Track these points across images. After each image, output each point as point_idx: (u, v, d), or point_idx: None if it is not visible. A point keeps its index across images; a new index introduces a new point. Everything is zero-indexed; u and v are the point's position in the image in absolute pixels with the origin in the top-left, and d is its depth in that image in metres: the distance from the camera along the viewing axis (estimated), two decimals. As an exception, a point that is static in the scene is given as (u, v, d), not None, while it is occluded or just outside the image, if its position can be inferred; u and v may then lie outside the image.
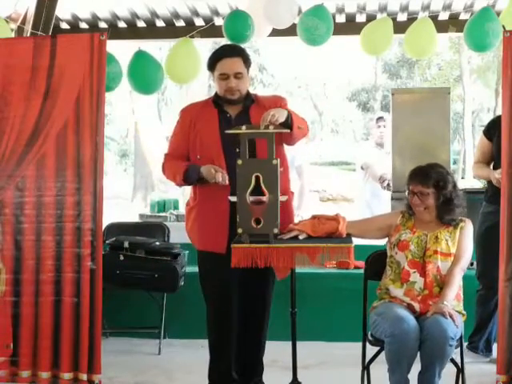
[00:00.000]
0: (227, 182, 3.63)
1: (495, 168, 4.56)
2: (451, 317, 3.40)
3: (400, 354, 3.41)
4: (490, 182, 4.63)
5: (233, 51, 3.85)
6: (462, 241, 3.69)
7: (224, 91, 3.81)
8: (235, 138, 3.62)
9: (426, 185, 3.67)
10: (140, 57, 5.91)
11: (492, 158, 4.68)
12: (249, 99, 3.88)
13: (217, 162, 3.74)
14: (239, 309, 3.89)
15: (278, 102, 3.88)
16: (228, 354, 3.89)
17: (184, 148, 3.87)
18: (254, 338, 3.98)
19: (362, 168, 6.87)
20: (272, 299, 3.99)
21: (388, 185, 6.42)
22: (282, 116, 3.58)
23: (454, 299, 3.58)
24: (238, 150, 3.62)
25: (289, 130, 3.66)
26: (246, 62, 3.83)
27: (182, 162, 3.83)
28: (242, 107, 3.85)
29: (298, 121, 3.72)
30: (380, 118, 6.89)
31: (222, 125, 3.79)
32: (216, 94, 3.91)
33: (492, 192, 4.58)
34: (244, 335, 3.95)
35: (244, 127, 3.54)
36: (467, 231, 3.72)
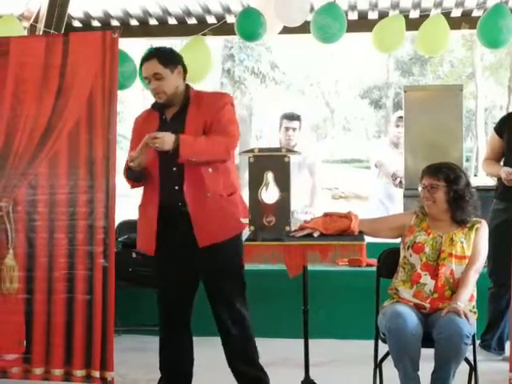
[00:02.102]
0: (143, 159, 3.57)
1: (506, 165, 4.55)
2: (465, 316, 3.39)
3: (398, 350, 3.40)
4: (500, 179, 4.61)
5: (148, 54, 3.71)
6: (478, 243, 3.66)
7: (152, 95, 3.75)
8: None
9: (437, 178, 3.66)
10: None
11: (503, 155, 4.67)
12: (186, 99, 3.73)
13: (152, 170, 3.69)
14: (213, 313, 3.82)
15: (216, 101, 3.71)
16: (172, 351, 3.85)
17: None
18: (234, 343, 3.80)
19: (375, 166, 6.84)
20: (241, 297, 3.81)
21: (400, 182, 6.40)
22: (167, 144, 3.48)
23: (467, 300, 3.56)
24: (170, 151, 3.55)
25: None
26: (165, 61, 3.65)
27: None
28: (179, 108, 3.73)
29: (195, 148, 3.54)
30: (400, 118, 6.65)
31: (159, 129, 3.69)
32: None
33: (502, 189, 4.57)
34: (225, 342, 3.82)
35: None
36: (482, 233, 3.69)
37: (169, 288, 3.81)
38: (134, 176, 3.73)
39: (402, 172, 6.33)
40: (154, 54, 3.70)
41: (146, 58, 3.70)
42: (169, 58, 3.69)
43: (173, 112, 3.76)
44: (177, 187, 3.63)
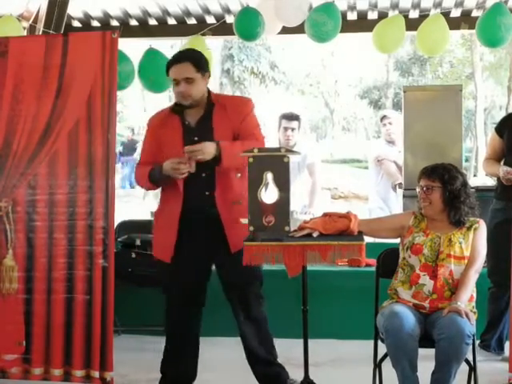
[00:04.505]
0: (193, 169, 3.58)
1: (506, 165, 4.55)
2: (467, 316, 3.39)
3: (396, 350, 3.40)
4: (499, 179, 4.61)
5: (182, 57, 3.73)
6: (477, 243, 3.65)
7: (176, 96, 3.76)
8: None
9: (432, 178, 3.66)
10: (150, 55, 5.93)
11: (503, 155, 4.67)
12: (210, 103, 3.74)
13: None
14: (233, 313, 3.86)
15: (242, 107, 3.78)
16: (178, 360, 3.86)
17: (152, 159, 3.82)
18: (249, 345, 3.86)
19: (377, 161, 6.83)
20: (259, 296, 3.88)
21: (399, 183, 6.40)
22: (208, 154, 3.54)
23: (467, 300, 3.56)
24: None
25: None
26: (198, 65, 3.68)
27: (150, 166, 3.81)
28: (204, 113, 3.74)
29: (235, 154, 3.55)
30: (384, 117, 6.94)
31: (184, 135, 3.74)
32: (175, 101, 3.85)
33: (501, 189, 4.57)
34: (244, 345, 3.88)
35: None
36: (481, 233, 3.68)
37: (180, 298, 3.81)
38: (162, 182, 3.75)
39: (401, 172, 6.34)
40: (187, 57, 3.70)
41: (178, 60, 3.70)
42: (202, 63, 3.70)
43: (196, 117, 3.75)
44: (207, 193, 3.65)
